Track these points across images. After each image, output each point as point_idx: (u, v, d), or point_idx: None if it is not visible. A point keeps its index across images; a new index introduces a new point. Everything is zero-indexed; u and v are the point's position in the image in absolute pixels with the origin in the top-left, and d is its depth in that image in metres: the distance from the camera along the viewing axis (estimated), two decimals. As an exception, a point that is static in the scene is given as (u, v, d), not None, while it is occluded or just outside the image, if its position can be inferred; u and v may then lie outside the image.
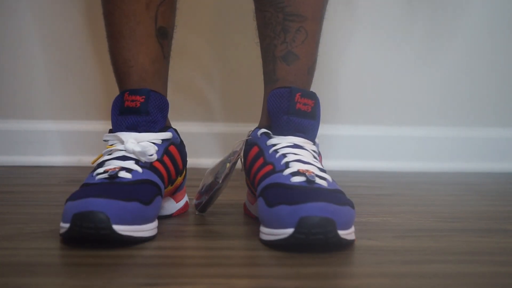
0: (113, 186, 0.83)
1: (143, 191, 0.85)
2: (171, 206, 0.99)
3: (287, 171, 0.86)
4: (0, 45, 1.50)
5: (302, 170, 0.86)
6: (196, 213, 1.01)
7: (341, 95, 1.56)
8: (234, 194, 1.12)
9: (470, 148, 1.58)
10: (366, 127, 1.57)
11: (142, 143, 0.90)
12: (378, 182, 1.42)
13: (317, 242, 0.77)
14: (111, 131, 0.94)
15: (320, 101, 0.94)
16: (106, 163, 0.89)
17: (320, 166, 0.89)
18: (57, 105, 1.52)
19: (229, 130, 1.52)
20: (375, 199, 1.21)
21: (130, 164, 0.88)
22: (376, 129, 1.57)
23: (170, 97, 0.98)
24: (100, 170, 0.87)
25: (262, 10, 0.96)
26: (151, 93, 0.92)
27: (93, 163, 0.92)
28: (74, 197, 0.82)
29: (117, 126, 0.92)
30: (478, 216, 1.08)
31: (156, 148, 0.91)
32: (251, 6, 0.98)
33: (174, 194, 0.99)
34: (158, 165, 0.91)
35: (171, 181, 0.95)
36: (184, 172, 1.00)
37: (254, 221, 0.95)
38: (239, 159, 0.97)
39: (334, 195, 0.82)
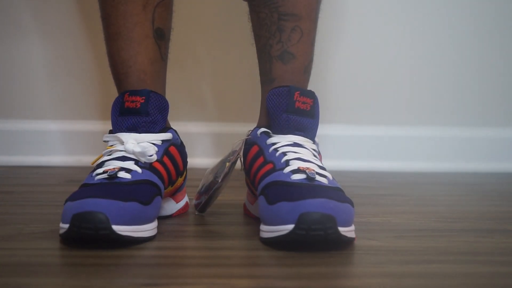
0: (112, 187, 0.83)
1: (142, 191, 0.85)
2: (171, 207, 0.99)
3: (287, 169, 0.86)
4: None
5: (302, 167, 0.86)
6: (196, 213, 1.01)
7: (341, 95, 1.56)
8: (234, 194, 1.12)
9: (470, 148, 1.58)
10: (366, 127, 1.57)
11: (142, 144, 0.90)
12: (378, 182, 1.42)
13: (317, 238, 0.77)
14: (111, 132, 0.94)
15: (320, 101, 0.94)
16: (106, 163, 0.89)
17: (320, 164, 0.89)
18: (57, 105, 1.52)
19: (229, 130, 1.52)
20: (375, 199, 1.21)
21: (130, 165, 0.88)
22: (376, 129, 1.57)
23: (169, 98, 0.98)
24: (100, 170, 0.87)
25: (256, 11, 0.96)
26: (151, 94, 0.92)
27: (92, 163, 0.92)
28: (73, 197, 0.82)
29: (117, 126, 0.92)
30: (478, 216, 1.08)
31: (156, 148, 0.91)
32: (246, 7, 0.99)
33: (174, 194, 0.99)
34: (158, 166, 0.91)
35: (171, 182, 0.95)
36: (185, 173, 1.00)
37: (254, 221, 0.95)
38: (239, 159, 0.97)
39: (334, 192, 0.82)
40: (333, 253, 0.79)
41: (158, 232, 0.87)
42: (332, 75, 1.54)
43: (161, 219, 0.95)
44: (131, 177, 0.86)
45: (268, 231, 0.82)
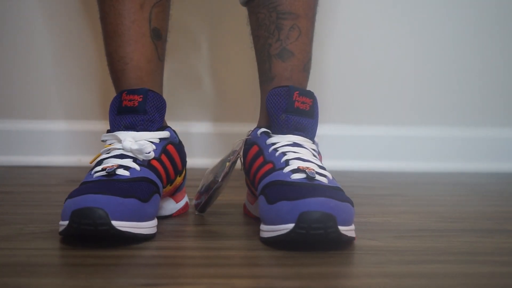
0: (110, 183, 0.84)
1: (140, 188, 0.85)
2: (171, 206, 0.99)
3: (287, 169, 0.86)
4: None
5: (302, 167, 0.86)
6: (196, 213, 1.01)
7: (341, 95, 1.56)
8: (234, 194, 1.12)
9: (470, 148, 1.58)
10: (365, 127, 1.57)
11: (140, 142, 0.90)
12: (378, 182, 1.42)
13: (317, 237, 0.77)
14: (109, 132, 0.94)
15: (320, 101, 0.94)
16: (104, 161, 0.89)
17: (320, 164, 0.89)
18: (57, 105, 1.52)
19: (229, 130, 1.52)
20: (375, 199, 1.21)
21: (128, 162, 0.88)
22: (376, 129, 1.57)
23: (169, 98, 0.98)
24: (98, 168, 0.88)
25: (255, 12, 0.97)
26: (149, 92, 0.93)
27: (91, 162, 0.92)
28: (72, 195, 0.82)
29: (115, 125, 0.93)
30: (478, 216, 1.08)
31: (154, 146, 0.92)
32: (245, 10, 0.99)
33: (174, 194, 0.99)
34: (156, 164, 0.91)
35: (169, 181, 0.95)
36: (184, 172, 1.00)
37: (254, 221, 0.95)
38: (239, 159, 0.97)
39: (334, 192, 0.82)
40: (333, 253, 0.79)
41: (158, 232, 0.87)
42: (332, 75, 1.54)
43: (161, 219, 0.95)
44: (130, 174, 0.87)
45: (268, 230, 0.82)
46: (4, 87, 1.51)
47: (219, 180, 0.95)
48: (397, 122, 1.58)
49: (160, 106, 0.93)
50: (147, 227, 0.84)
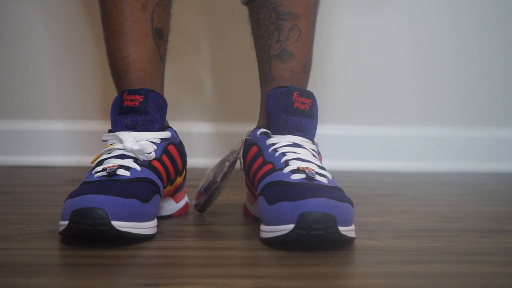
0: (111, 183, 0.84)
1: (141, 188, 0.85)
2: (171, 206, 0.99)
3: (287, 169, 0.86)
4: (-1, 45, 1.50)
5: (302, 167, 0.86)
6: (196, 213, 1.01)
7: (341, 95, 1.56)
8: (234, 194, 1.12)
9: (470, 148, 1.58)
10: (366, 127, 1.57)
11: (141, 142, 0.90)
12: (378, 182, 1.42)
13: (317, 238, 0.77)
14: (110, 132, 0.94)
15: (321, 101, 0.94)
16: (105, 161, 0.89)
17: (320, 164, 0.89)
18: (57, 105, 1.52)
19: (229, 130, 1.52)
20: (375, 199, 1.21)
21: (129, 162, 0.88)
22: (376, 129, 1.57)
23: (169, 98, 0.98)
24: (99, 168, 0.88)
25: (255, 12, 0.97)
26: (150, 92, 0.92)
27: (92, 162, 0.92)
28: (72, 195, 0.82)
29: (116, 125, 0.92)
30: (478, 216, 1.08)
31: (155, 147, 0.92)
32: (246, 10, 0.99)
33: (174, 194, 0.99)
34: (157, 164, 0.91)
35: (170, 181, 0.95)
36: (184, 172, 1.00)
37: (254, 221, 0.95)
38: (238, 159, 0.97)
39: (334, 192, 0.82)
40: (333, 253, 0.79)
41: (158, 232, 0.87)
42: (332, 75, 1.54)
43: (161, 219, 0.95)
44: (130, 174, 0.87)
45: (268, 231, 0.82)
46: (4, 87, 1.51)
47: (218, 180, 0.95)
48: (397, 122, 1.58)
49: (161, 106, 0.93)
50: (147, 227, 0.84)
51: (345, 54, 1.55)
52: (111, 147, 0.91)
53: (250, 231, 0.90)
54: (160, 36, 0.98)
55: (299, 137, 0.91)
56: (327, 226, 0.77)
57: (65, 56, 1.50)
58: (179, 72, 1.49)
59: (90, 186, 0.83)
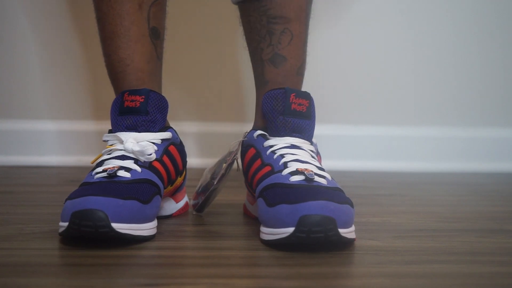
0: (111, 185, 0.83)
1: (141, 190, 0.85)
2: (171, 206, 0.99)
3: (286, 171, 0.86)
4: (-1, 45, 1.50)
5: (301, 169, 0.86)
6: (194, 213, 1.01)
7: (341, 95, 1.56)
8: (234, 194, 1.12)
9: (470, 148, 1.58)
10: (366, 127, 1.57)
11: (141, 143, 0.90)
12: (378, 182, 1.42)
13: (318, 241, 0.77)
14: (111, 132, 0.94)
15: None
16: (105, 162, 0.89)
17: (319, 165, 0.89)
18: (56, 105, 1.52)
19: (227, 130, 1.52)
20: (375, 199, 1.21)
21: (129, 164, 0.88)
22: (376, 129, 1.57)
23: (167, 97, 0.98)
24: (99, 169, 0.87)
25: (246, 14, 0.97)
26: (150, 93, 0.92)
27: (92, 162, 0.92)
28: (72, 196, 0.82)
29: (117, 126, 0.92)
30: (478, 216, 1.07)
31: (156, 147, 0.91)
32: (238, 11, 0.99)
33: (174, 194, 0.99)
34: (157, 165, 0.91)
35: (170, 181, 0.95)
36: (184, 172, 1.00)
37: (254, 221, 0.95)
38: (235, 160, 0.97)
39: (334, 193, 0.82)
40: (333, 253, 0.79)
41: (158, 232, 0.87)
42: (332, 75, 1.54)
43: (161, 219, 0.95)
44: (131, 176, 0.86)
45: (269, 233, 0.82)
46: (4, 87, 1.51)
47: (215, 182, 0.95)
48: (397, 122, 1.58)
49: (162, 106, 0.93)
50: (147, 228, 0.84)
51: (345, 54, 1.55)
52: (112, 147, 0.91)
53: (250, 231, 0.90)
54: (156, 35, 0.98)
55: (297, 138, 0.91)
56: (327, 229, 0.77)
57: (65, 56, 1.50)
58: (177, 72, 1.49)
59: (90, 187, 0.83)
